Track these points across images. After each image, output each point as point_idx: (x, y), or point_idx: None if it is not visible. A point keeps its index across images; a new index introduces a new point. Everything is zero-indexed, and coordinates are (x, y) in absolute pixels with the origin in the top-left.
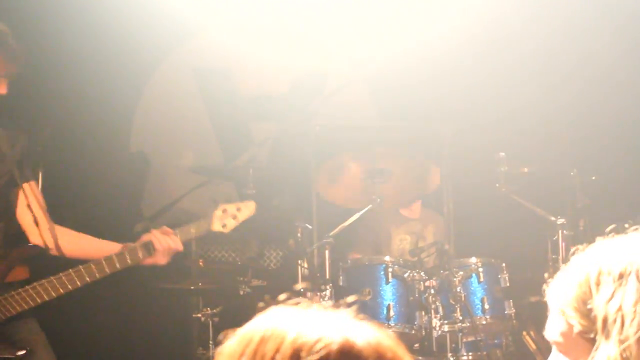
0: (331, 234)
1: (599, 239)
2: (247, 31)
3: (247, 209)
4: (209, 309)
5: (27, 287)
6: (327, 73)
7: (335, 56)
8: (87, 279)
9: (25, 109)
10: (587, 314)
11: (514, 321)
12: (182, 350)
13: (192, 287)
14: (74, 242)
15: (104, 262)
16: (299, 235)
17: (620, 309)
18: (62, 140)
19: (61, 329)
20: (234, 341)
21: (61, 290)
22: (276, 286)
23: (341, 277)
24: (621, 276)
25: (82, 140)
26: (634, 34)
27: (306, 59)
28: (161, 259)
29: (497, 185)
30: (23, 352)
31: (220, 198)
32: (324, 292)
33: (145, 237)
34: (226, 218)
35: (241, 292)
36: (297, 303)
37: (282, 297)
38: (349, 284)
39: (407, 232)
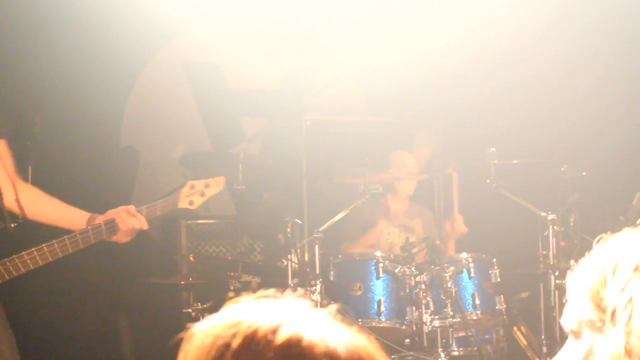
0: (321, 229)
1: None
2: (237, 26)
3: (216, 185)
4: (199, 304)
5: None
6: (318, 68)
7: (326, 51)
8: (50, 258)
9: (15, 105)
10: (599, 304)
11: (505, 317)
12: (171, 346)
13: (182, 282)
14: (40, 205)
15: (67, 241)
16: (288, 230)
17: (630, 300)
18: (52, 135)
19: (48, 324)
20: (207, 341)
21: (22, 270)
22: (267, 281)
23: (332, 272)
24: (637, 268)
25: (72, 135)
26: (625, 32)
27: (297, 54)
28: (124, 238)
29: (487, 180)
30: None
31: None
32: (314, 287)
33: (111, 214)
34: (194, 195)
35: (231, 287)
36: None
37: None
38: (340, 279)
39: (395, 225)
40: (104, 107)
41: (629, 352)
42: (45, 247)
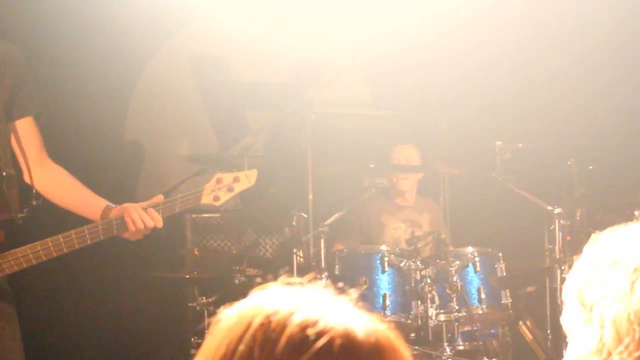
0: (326, 222)
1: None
2: (242, 18)
3: (247, 180)
4: (204, 297)
5: None
6: (324, 61)
7: (332, 44)
8: (54, 254)
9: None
10: (583, 301)
11: (511, 311)
12: (177, 339)
13: (187, 276)
14: (61, 187)
15: (74, 237)
16: (294, 223)
17: (605, 296)
18: (57, 129)
19: (53, 317)
20: (231, 321)
21: (24, 265)
22: (272, 275)
23: (337, 266)
24: (615, 264)
25: (76, 129)
26: (633, 23)
27: (303, 47)
28: (135, 236)
29: (493, 174)
30: None
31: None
32: (319, 281)
33: (125, 208)
34: (220, 190)
35: (237, 281)
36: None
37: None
38: (345, 273)
39: (402, 220)
40: (109, 101)
41: (600, 350)
42: (50, 242)
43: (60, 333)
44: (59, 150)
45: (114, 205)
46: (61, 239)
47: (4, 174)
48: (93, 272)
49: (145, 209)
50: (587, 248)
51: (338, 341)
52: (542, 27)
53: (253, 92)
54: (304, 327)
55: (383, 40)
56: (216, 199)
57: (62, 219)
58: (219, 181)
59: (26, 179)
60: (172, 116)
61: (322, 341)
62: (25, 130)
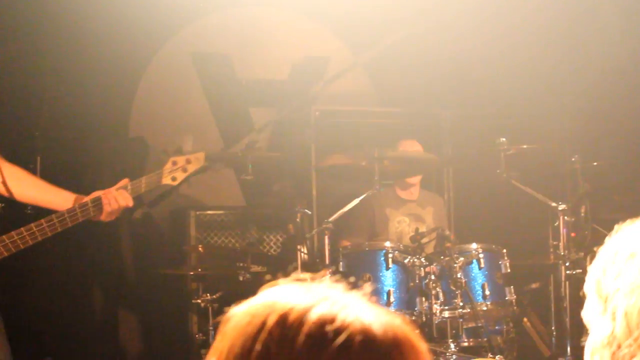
0: (330, 219)
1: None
2: (246, 16)
3: (197, 161)
4: (208, 294)
5: None
6: (328, 58)
7: (335, 41)
8: (39, 237)
9: (23, 95)
10: (600, 293)
11: (515, 307)
12: (181, 335)
13: (191, 273)
14: (26, 186)
15: (55, 220)
16: (298, 220)
17: (619, 289)
18: (61, 126)
19: (57, 313)
20: (244, 320)
21: (12, 250)
22: (276, 272)
23: (341, 263)
24: (631, 256)
25: (80, 126)
26: (636, 21)
27: (306, 44)
28: (108, 217)
29: (497, 171)
30: None
31: (220, 182)
32: (326, 278)
33: (97, 193)
34: (176, 171)
35: (241, 278)
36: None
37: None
38: (349, 270)
39: (406, 214)
40: (113, 98)
41: (610, 342)
42: (34, 227)
43: (63, 328)
44: (62, 146)
45: (83, 196)
46: (44, 223)
47: None
48: (98, 269)
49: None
50: (609, 239)
51: (357, 338)
52: (546, 25)
53: (257, 89)
54: (322, 324)
55: (387, 37)
56: (173, 179)
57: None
58: (174, 163)
59: None
60: (175, 113)
61: (341, 338)
62: None
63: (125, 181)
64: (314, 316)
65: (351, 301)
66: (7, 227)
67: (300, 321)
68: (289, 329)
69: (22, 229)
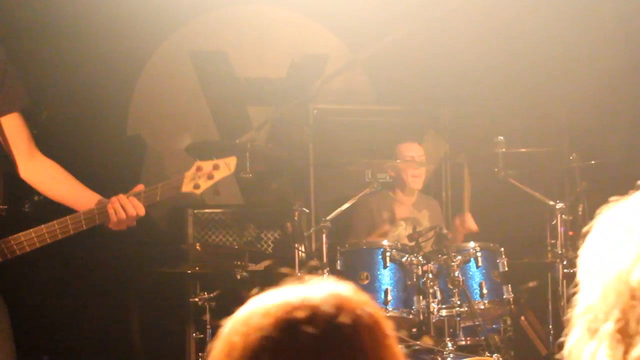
0: (328, 218)
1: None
2: (244, 13)
3: (226, 167)
4: (205, 293)
5: None
6: (326, 56)
7: (333, 39)
8: (37, 244)
9: None
10: (586, 268)
11: (512, 306)
12: (178, 334)
13: (189, 271)
14: (53, 180)
15: (56, 227)
16: (296, 218)
17: (599, 258)
18: (59, 124)
19: (54, 312)
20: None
21: (17, 253)
22: (273, 270)
23: (339, 262)
24: (612, 228)
25: (78, 124)
26: (636, 18)
27: (305, 42)
28: (118, 226)
29: (495, 169)
30: None
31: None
32: (321, 277)
33: (109, 201)
34: (201, 178)
35: (238, 277)
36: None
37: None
38: (347, 268)
39: (402, 218)
40: (111, 96)
41: (588, 311)
42: (33, 233)
43: (60, 327)
44: (60, 144)
45: (105, 200)
46: (56, 225)
47: None
48: (95, 267)
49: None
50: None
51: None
52: (545, 24)
53: (255, 87)
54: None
55: (385, 35)
56: (196, 187)
57: (46, 213)
58: (198, 169)
59: (22, 174)
60: (174, 111)
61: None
62: (12, 126)
63: (139, 187)
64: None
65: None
66: (7, 227)
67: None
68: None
69: (20, 233)
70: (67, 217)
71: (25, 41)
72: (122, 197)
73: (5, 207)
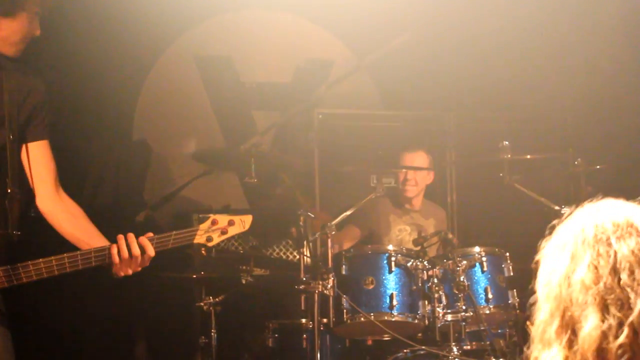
0: (333, 222)
1: None
2: (249, 19)
3: (241, 224)
4: (211, 297)
5: None
6: (331, 61)
7: (339, 44)
8: (45, 275)
9: None
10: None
11: (518, 311)
12: (184, 338)
13: (194, 276)
14: (67, 219)
15: (66, 260)
16: (301, 223)
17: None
18: (65, 129)
19: (64, 317)
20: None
21: (24, 281)
22: (279, 275)
23: (344, 266)
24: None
25: (84, 129)
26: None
27: (310, 47)
28: (123, 270)
29: (500, 174)
30: None
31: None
32: (326, 282)
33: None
34: (214, 232)
35: (243, 281)
36: None
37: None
38: (352, 273)
39: (407, 223)
40: (117, 101)
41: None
42: (31, 265)
43: (67, 333)
44: (66, 148)
45: (113, 245)
46: (66, 259)
47: (9, 190)
48: (101, 272)
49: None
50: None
51: None
52: (550, 30)
53: (260, 92)
54: None
55: (390, 40)
56: (209, 240)
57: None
58: (214, 222)
59: (41, 204)
60: (179, 116)
61: None
62: (40, 154)
63: (148, 235)
64: None
65: None
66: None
67: None
68: None
69: (18, 264)
70: (78, 252)
71: (29, 46)
72: (130, 235)
73: (19, 233)
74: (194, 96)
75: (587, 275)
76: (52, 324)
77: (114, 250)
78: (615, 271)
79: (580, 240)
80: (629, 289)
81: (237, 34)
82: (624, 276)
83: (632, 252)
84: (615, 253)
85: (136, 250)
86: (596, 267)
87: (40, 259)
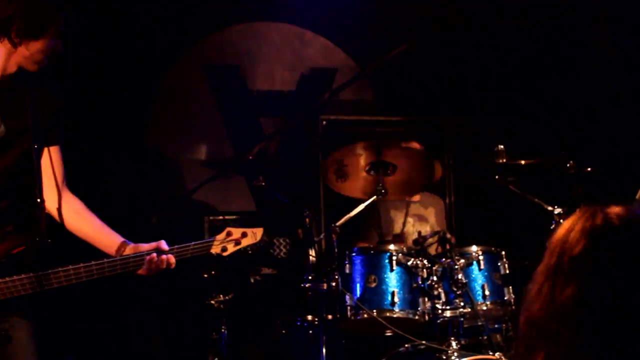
0: (338, 223)
1: None
2: (256, 30)
3: (253, 236)
4: (221, 295)
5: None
6: (334, 70)
7: (341, 54)
8: (74, 281)
9: None
10: None
11: (513, 307)
12: (196, 334)
13: (205, 275)
14: (80, 219)
15: (93, 267)
16: (307, 225)
17: None
18: (81, 135)
19: (83, 314)
20: None
21: (54, 285)
22: (285, 274)
23: (347, 265)
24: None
25: (101, 135)
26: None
27: (313, 57)
28: (149, 274)
29: (496, 176)
30: None
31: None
32: (331, 280)
33: (137, 249)
34: (229, 243)
35: (252, 280)
36: None
37: None
38: (355, 272)
39: (410, 215)
40: (131, 109)
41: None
42: (51, 274)
43: (84, 327)
44: (85, 155)
45: (128, 242)
46: (93, 266)
47: (38, 200)
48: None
49: (156, 251)
50: None
51: None
52: (543, 40)
53: (266, 99)
54: None
55: (390, 49)
56: (224, 250)
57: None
58: (228, 234)
59: (49, 205)
60: (190, 123)
61: None
62: (56, 158)
63: (160, 243)
64: None
65: None
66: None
67: None
68: None
69: (68, 267)
70: (105, 260)
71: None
72: (157, 256)
73: (50, 240)
74: (204, 103)
75: None
76: (73, 320)
77: (146, 266)
78: None
79: None
80: None
81: (244, 45)
82: None
83: None
84: None
85: (163, 266)
86: None
87: (70, 266)
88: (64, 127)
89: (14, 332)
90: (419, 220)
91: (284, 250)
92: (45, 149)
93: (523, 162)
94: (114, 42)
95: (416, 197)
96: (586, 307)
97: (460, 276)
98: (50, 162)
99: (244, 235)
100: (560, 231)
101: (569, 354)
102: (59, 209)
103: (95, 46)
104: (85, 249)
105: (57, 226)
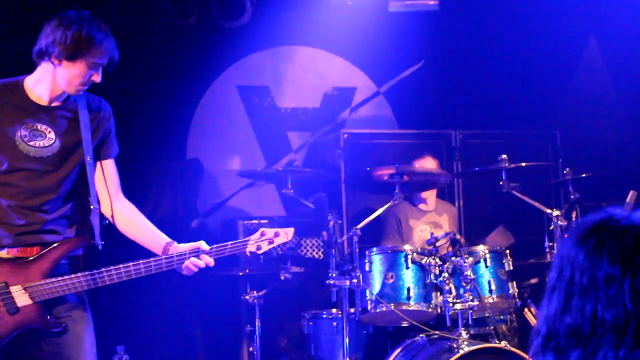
0: (359, 226)
1: None
2: (284, 53)
3: (285, 235)
4: (255, 291)
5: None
6: (354, 89)
7: (360, 74)
8: (124, 278)
9: None
10: None
11: (517, 300)
12: (232, 327)
13: (240, 273)
14: (132, 221)
15: (141, 266)
16: (331, 227)
17: None
18: (131, 149)
19: (127, 311)
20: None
21: (107, 282)
22: (312, 272)
23: (367, 263)
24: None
25: (148, 149)
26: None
27: (336, 77)
28: (190, 272)
29: (500, 183)
30: (59, 329)
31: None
32: (353, 277)
33: (181, 249)
34: (263, 242)
35: (282, 278)
36: None
37: None
38: (375, 269)
39: (426, 223)
40: (173, 124)
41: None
42: (96, 274)
43: (134, 321)
44: (134, 167)
45: (173, 243)
46: (141, 264)
47: (92, 207)
48: (164, 272)
49: (195, 252)
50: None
51: None
52: (540, 59)
53: (294, 116)
54: None
55: (404, 69)
56: (258, 248)
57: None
58: (262, 234)
59: (105, 211)
60: (225, 137)
61: None
62: (110, 170)
63: (200, 243)
64: None
65: None
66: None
67: None
68: None
69: (119, 266)
70: (151, 259)
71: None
72: (198, 255)
73: (103, 242)
74: (238, 120)
75: None
76: (124, 314)
77: (189, 268)
78: None
79: None
80: None
81: (273, 67)
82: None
83: None
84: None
85: (203, 265)
86: None
87: (121, 265)
88: (117, 143)
89: (74, 325)
90: (435, 227)
91: (310, 250)
92: (100, 162)
93: (524, 164)
94: (159, 67)
95: (431, 207)
96: None
97: (468, 273)
98: (103, 174)
99: (277, 234)
100: None
101: None
102: (113, 214)
103: (143, 70)
104: (133, 251)
105: (110, 230)
